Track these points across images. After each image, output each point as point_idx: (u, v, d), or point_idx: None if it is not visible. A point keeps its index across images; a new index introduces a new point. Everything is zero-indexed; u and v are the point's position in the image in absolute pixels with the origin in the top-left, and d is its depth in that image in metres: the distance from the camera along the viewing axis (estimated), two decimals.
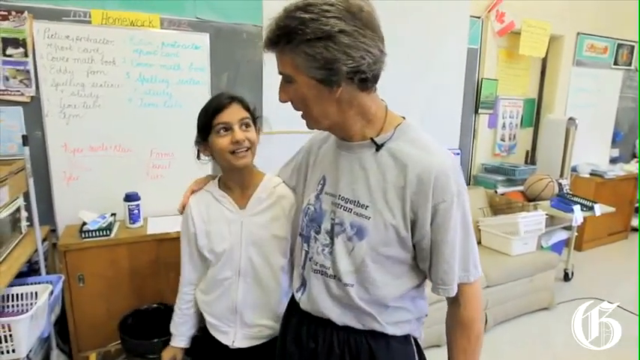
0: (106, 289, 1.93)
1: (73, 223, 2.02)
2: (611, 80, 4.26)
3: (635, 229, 4.35)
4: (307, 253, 0.95)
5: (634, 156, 4.65)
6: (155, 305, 1.95)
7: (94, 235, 1.87)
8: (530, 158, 3.97)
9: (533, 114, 3.97)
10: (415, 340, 0.96)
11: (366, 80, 0.78)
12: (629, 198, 4.13)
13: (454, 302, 0.89)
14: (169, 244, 2.03)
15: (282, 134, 2.30)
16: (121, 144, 2.13)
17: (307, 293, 0.94)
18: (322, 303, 0.90)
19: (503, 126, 3.69)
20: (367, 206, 0.83)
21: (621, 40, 4.16)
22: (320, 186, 0.94)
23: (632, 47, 4.27)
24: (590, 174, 3.93)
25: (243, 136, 1.06)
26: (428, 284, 0.93)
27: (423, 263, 0.87)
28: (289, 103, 0.85)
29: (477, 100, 3.40)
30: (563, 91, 3.91)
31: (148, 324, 1.87)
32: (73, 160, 2.04)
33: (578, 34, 3.84)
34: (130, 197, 2.03)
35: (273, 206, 1.15)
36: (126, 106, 2.10)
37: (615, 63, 4.22)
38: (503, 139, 3.71)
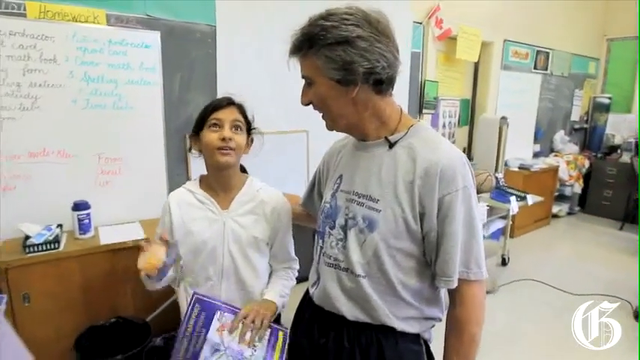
0: (55, 308, 1.77)
1: (12, 237, 1.82)
2: (532, 83, 4.74)
3: (554, 216, 4.88)
4: (322, 248, 0.97)
5: (552, 150, 5.21)
6: (113, 320, 1.83)
7: (40, 249, 1.71)
8: (468, 154, 4.29)
9: (469, 113, 4.30)
10: (425, 342, 0.97)
11: (381, 83, 0.84)
12: (550, 188, 4.63)
13: (452, 300, 0.91)
14: (125, 254, 1.91)
15: None
16: (64, 149, 1.96)
17: (320, 287, 0.96)
18: (334, 296, 0.92)
19: (444, 125, 3.94)
20: (378, 200, 0.87)
21: (539, 47, 4.64)
22: (336, 185, 0.97)
23: (548, 54, 4.78)
24: (519, 167, 4.35)
25: (230, 135, 1.09)
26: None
27: (430, 257, 0.89)
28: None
29: (420, 101, 3.60)
30: (493, 92, 4.27)
31: (106, 341, 1.76)
32: (8, 167, 1.84)
33: (504, 40, 4.22)
34: (79, 206, 1.88)
35: (255, 209, 1.17)
36: (70, 107, 1.94)
37: (535, 67, 4.70)
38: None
